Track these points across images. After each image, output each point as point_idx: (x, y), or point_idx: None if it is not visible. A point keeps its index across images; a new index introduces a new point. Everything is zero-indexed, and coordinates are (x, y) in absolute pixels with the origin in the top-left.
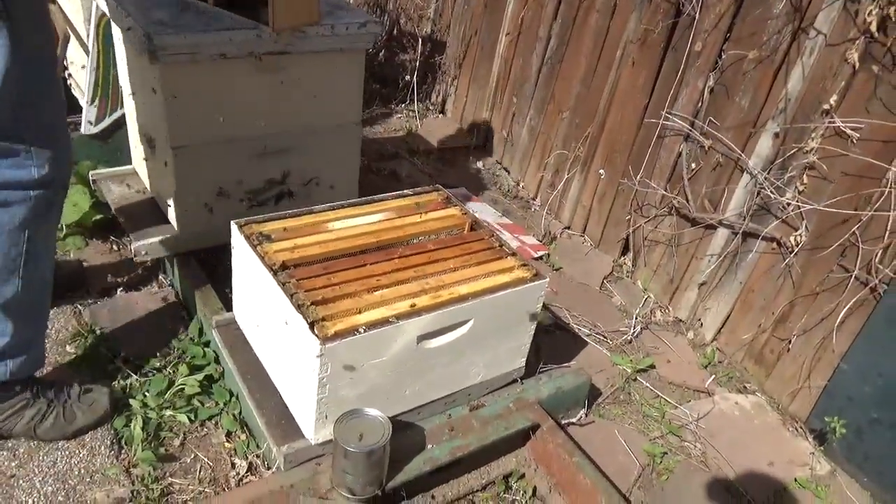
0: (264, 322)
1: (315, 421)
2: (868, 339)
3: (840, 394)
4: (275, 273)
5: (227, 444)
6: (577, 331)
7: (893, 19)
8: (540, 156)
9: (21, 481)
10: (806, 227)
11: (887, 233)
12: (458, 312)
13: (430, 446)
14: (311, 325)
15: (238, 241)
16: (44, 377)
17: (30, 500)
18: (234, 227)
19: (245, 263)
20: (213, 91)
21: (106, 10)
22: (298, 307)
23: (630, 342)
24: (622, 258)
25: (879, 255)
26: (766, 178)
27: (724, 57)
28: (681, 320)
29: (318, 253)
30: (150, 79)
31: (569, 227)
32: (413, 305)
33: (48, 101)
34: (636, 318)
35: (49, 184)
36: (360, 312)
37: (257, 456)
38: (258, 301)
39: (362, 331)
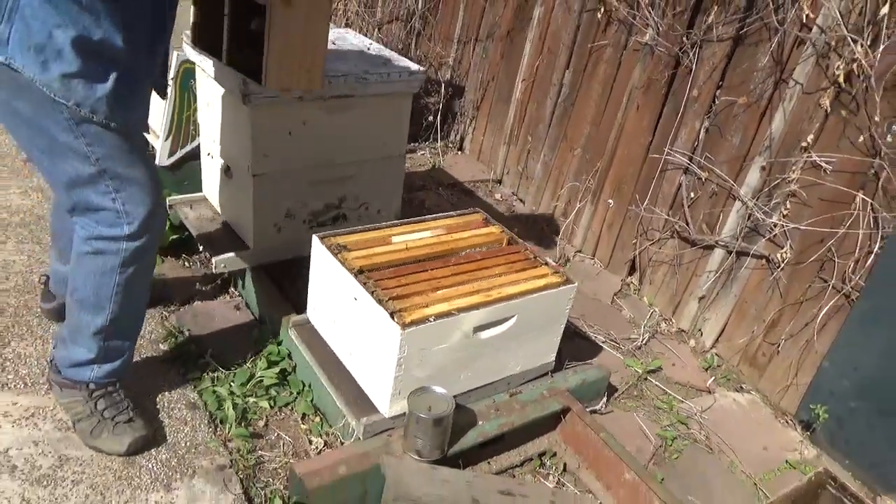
0: (342, 318)
1: (390, 397)
2: (845, 339)
3: (823, 388)
4: (355, 276)
5: (302, 426)
6: (593, 338)
7: (857, 74)
8: (553, 188)
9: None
10: (790, 245)
11: (857, 248)
12: (505, 309)
13: (480, 423)
14: (391, 315)
15: (319, 251)
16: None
17: (149, 465)
18: (315, 239)
19: (325, 269)
20: (289, 128)
21: (197, 60)
22: (379, 301)
23: (640, 348)
24: (629, 277)
25: (852, 267)
26: (755, 204)
27: (717, 102)
28: (683, 330)
29: (387, 260)
30: (240, 117)
31: (580, 251)
32: (469, 302)
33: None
34: (644, 329)
35: (139, 237)
36: (427, 307)
37: (328, 434)
38: (337, 300)
39: (432, 320)
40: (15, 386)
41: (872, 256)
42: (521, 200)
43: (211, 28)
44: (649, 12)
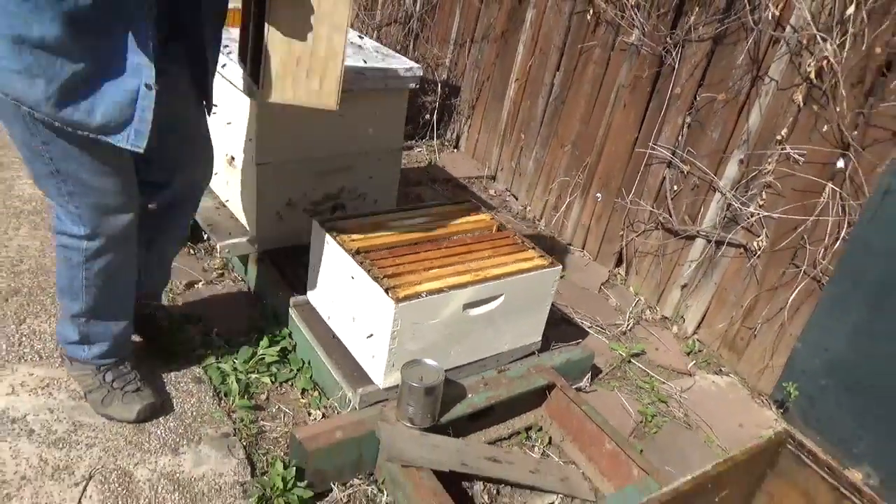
0: (340, 297)
1: (385, 369)
2: (816, 322)
3: (796, 368)
4: (353, 256)
5: (301, 400)
6: (580, 324)
7: (826, 70)
8: (545, 183)
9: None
10: (766, 234)
11: (827, 235)
12: (493, 287)
13: (470, 395)
14: (386, 291)
15: (318, 234)
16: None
17: (157, 431)
18: (315, 223)
19: (324, 251)
20: (291, 120)
21: None
22: (375, 279)
23: (624, 333)
24: (616, 269)
25: (822, 253)
26: (733, 196)
27: (698, 99)
28: (667, 317)
29: (382, 243)
30: (245, 109)
31: (570, 244)
32: (460, 281)
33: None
34: (629, 316)
35: (95, 238)
36: (419, 284)
37: (326, 408)
38: (335, 280)
39: (424, 296)
40: (31, 359)
41: (840, 242)
42: (514, 196)
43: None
44: (635, 14)
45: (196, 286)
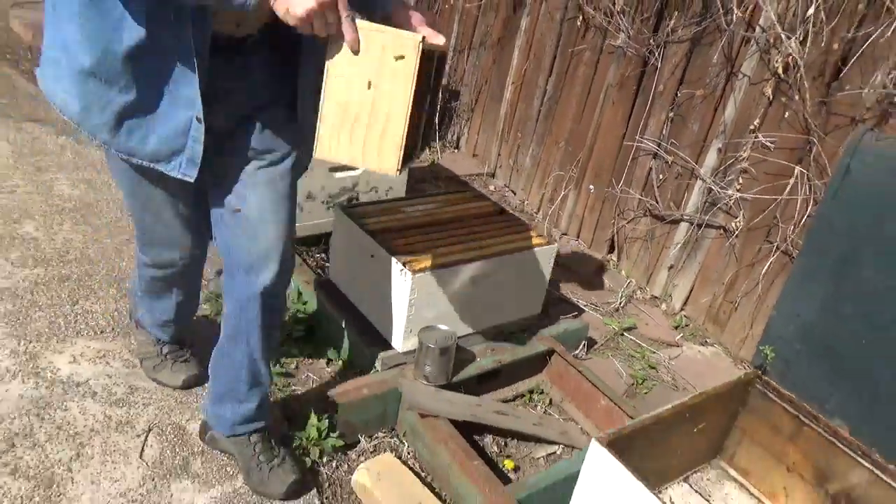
0: (360, 274)
1: (403, 334)
2: (788, 292)
3: (772, 335)
4: (373, 236)
5: (327, 369)
6: (576, 302)
7: (792, 65)
8: (541, 178)
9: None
10: (742, 215)
11: (796, 213)
12: (498, 262)
13: (478, 359)
14: (404, 265)
15: (341, 219)
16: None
17: (202, 393)
18: (338, 209)
19: (346, 233)
20: None
21: None
22: (394, 254)
23: (617, 310)
24: (609, 255)
25: (792, 229)
26: (713, 181)
27: (679, 95)
28: (656, 296)
29: (397, 226)
30: None
31: (566, 233)
32: (468, 256)
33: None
34: (621, 295)
35: (150, 266)
36: (432, 259)
37: (351, 374)
38: (356, 259)
39: (437, 268)
40: (87, 334)
41: (807, 219)
42: (512, 191)
43: None
44: (620, 19)
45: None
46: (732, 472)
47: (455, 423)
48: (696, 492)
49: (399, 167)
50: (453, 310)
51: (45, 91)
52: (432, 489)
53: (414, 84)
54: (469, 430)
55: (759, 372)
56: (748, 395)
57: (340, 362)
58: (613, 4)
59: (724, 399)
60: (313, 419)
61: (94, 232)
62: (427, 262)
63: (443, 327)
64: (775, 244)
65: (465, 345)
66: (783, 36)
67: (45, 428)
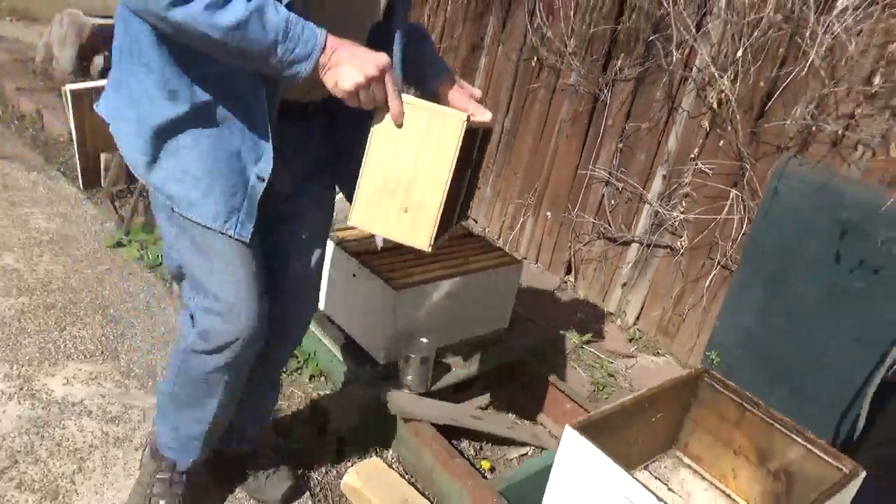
0: (342, 293)
1: (385, 348)
2: (728, 304)
3: (717, 343)
4: (355, 257)
5: (310, 385)
6: (538, 321)
7: (725, 100)
8: (501, 206)
9: None
10: (686, 234)
11: (733, 231)
12: (470, 279)
13: (454, 369)
14: (386, 282)
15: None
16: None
17: None
18: None
19: (329, 256)
20: None
21: None
22: (377, 274)
23: (577, 326)
24: (567, 276)
25: (730, 246)
26: (660, 205)
27: (627, 128)
28: (611, 313)
29: (374, 248)
30: None
31: (525, 258)
32: (442, 274)
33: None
34: (580, 312)
35: (201, 340)
36: (411, 277)
37: (332, 391)
38: (337, 279)
39: (416, 286)
40: (77, 357)
41: (743, 236)
42: (474, 220)
43: None
44: (572, 60)
45: None
46: (686, 460)
47: (436, 428)
48: (656, 478)
49: (432, 244)
50: (430, 323)
51: (118, 143)
52: (417, 490)
53: (455, 162)
54: (447, 435)
55: (707, 369)
56: (698, 388)
57: (323, 378)
58: (565, 46)
59: (678, 391)
60: (303, 430)
61: (74, 263)
62: (407, 280)
63: (422, 339)
64: (716, 260)
65: (440, 356)
66: (716, 75)
67: (45, 445)
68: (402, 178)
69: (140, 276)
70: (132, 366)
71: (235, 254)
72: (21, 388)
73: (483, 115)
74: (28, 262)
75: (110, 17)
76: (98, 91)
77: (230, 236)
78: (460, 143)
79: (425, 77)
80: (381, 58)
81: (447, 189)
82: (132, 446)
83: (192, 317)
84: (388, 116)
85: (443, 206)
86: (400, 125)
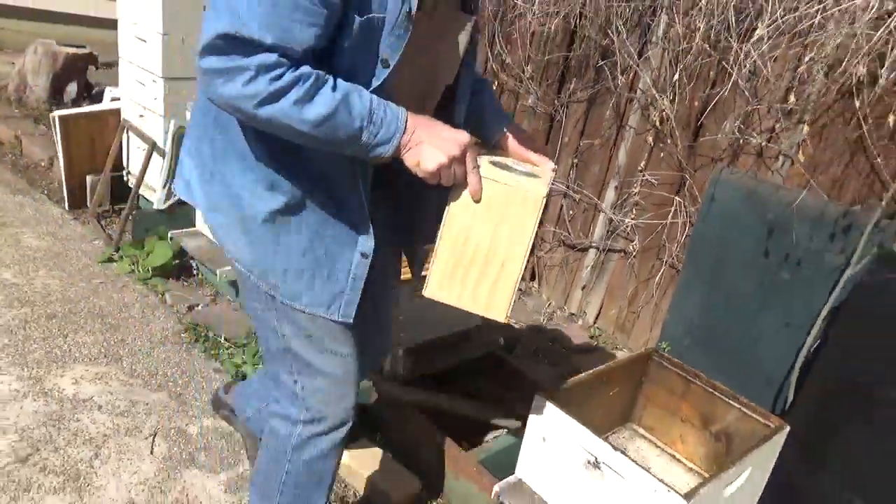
0: None
1: None
2: (676, 299)
3: (668, 335)
4: None
5: None
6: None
7: (665, 119)
8: None
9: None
10: (637, 239)
11: (678, 234)
12: None
13: (434, 362)
14: None
15: None
16: None
17: (197, 403)
18: None
19: None
20: None
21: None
22: None
23: (542, 326)
24: (532, 282)
25: (675, 247)
26: (613, 213)
27: (581, 144)
28: (573, 314)
29: None
30: None
31: None
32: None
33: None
34: (543, 314)
35: (313, 422)
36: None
37: None
38: None
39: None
40: (83, 361)
41: (685, 238)
42: None
43: None
44: (530, 83)
45: (196, 308)
46: (641, 431)
47: (420, 413)
48: (615, 448)
49: (509, 314)
50: (413, 320)
51: (214, 232)
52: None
53: (534, 235)
54: (432, 419)
55: (656, 349)
56: (649, 367)
57: None
58: (523, 72)
59: (630, 368)
60: None
61: (69, 277)
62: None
63: (403, 335)
64: (664, 260)
65: (421, 350)
66: (657, 96)
67: (62, 435)
68: (478, 252)
69: (133, 287)
70: (135, 367)
71: (341, 331)
72: (34, 388)
73: (546, 164)
74: (25, 277)
75: (83, 46)
76: (85, 116)
77: (335, 320)
78: (539, 215)
79: (485, 126)
80: (462, 136)
81: (527, 260)
82: (142, 435)
83: (293, 399)
84: (465, 192)
85: (522, 271)
86: (478, 201)
